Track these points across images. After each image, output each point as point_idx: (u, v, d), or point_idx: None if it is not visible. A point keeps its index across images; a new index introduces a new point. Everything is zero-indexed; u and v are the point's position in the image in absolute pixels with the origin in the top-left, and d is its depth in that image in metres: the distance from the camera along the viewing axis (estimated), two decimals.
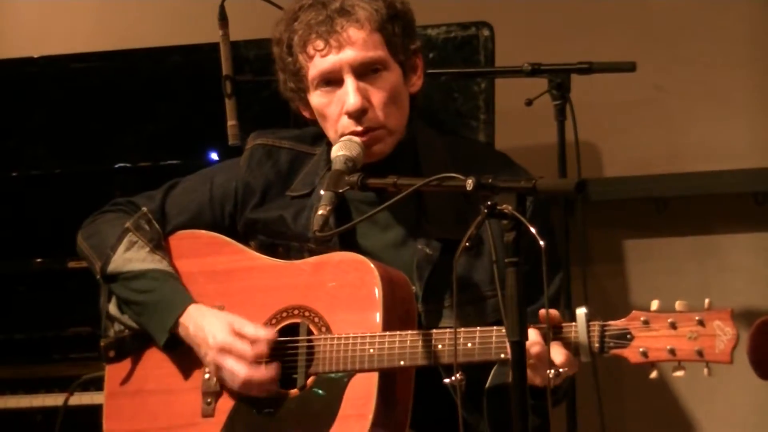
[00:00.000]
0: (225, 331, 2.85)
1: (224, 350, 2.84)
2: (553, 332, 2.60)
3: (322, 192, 2.76)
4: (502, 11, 4.07)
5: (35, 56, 4.15)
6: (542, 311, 2.55)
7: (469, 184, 2.50)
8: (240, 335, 2.84)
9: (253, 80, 3.84)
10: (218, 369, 2.87)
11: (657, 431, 4.25)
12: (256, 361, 2.82)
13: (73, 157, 4.03)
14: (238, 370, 2.83)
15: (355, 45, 2.83)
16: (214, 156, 3.94)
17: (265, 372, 2.82)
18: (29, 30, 4.53)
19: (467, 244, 2.46)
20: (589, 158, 4.13)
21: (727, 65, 4.21)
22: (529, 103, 3.61)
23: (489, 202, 2.43)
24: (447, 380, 2.59)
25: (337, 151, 2.80)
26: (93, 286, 3.09)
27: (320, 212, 2.70)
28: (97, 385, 3.46)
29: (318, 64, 2.86)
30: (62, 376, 3.61)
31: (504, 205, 2.43)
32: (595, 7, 4.25)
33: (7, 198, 4.02)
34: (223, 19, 3.62)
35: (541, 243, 2.37)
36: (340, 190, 2.72)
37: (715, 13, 4.21)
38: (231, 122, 3.65)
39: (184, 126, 4.03)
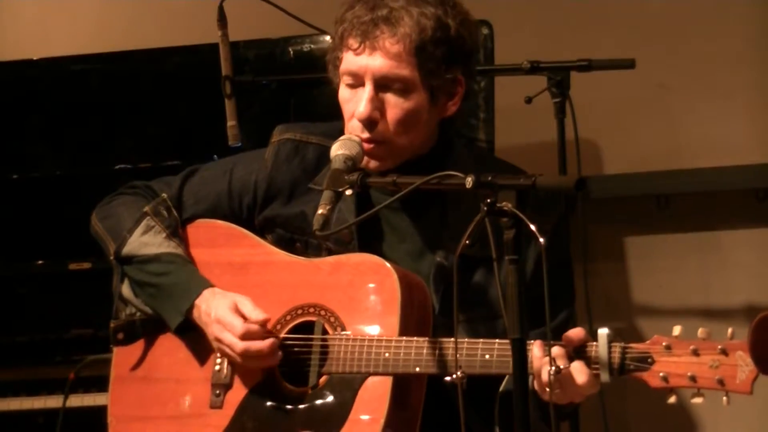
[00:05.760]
0: (226, 307, 2.86)
1: (220, 323, 2.85)
2: (577, 352, 2.59)
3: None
4: (502, 9, 4.06)
5: (35, 58, 4.14)
6: (568, 333, 2.57)
7: (469, 181, 2.50)
8: (239, 313, 2.85)
9: (253, 80, 3.85)
10: (219, 343, 2.86)
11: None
12: (247, 335, 2.81)
13: (73, 159, 4.03)
14: (234, 343, 2.82)
15: (385, 57, 2.80)
16: (214, 157, 3.93)
17: (261, 344, 2.81)
18: (29, 32, 4.53)
19: (467, 241, 2.47)
20: (590, 155, 4.13)
21: (727, 61, 4.20)
22: (528, 100, 3.61)
23: (488, 200, 2.43)
24: (448, 378, 2.57)
25: (336, 150, 2.79)
26: (94, 287, 3.09)
27: (320, 211, 2.69)
28: (99, 386, 3.47)
29: (348, 61, 2.85)
30: (64, 378, 3.59)
31: (504, 203, 2.42)
32: (594, 5, 4.25)
33: (8, 200, 4.02)
34: (222, 19, 3.62)
35: (541, 240, 2.36)
36: (340, 189, 2.72)
37: (716, 9, 4.20)
38: (231, 123, 3.66)
39: (184, 127, 4.03)
